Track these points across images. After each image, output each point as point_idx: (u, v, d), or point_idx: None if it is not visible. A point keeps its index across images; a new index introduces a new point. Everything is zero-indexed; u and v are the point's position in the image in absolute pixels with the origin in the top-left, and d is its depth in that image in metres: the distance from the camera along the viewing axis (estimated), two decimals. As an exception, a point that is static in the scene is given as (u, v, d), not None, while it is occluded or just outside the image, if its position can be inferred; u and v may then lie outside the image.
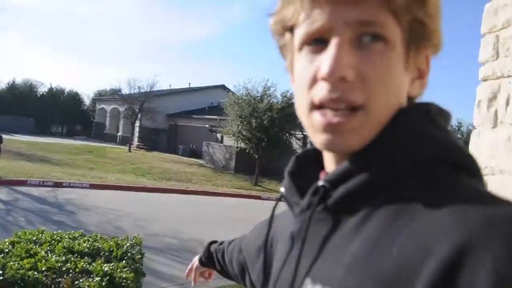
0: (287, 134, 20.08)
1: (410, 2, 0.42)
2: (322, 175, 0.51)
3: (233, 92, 21.72)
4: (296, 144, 21.17)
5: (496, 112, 1.92)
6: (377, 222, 0.39)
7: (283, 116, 18.97)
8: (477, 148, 1.97)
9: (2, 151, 12.18)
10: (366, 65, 0.41)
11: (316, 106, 0.43)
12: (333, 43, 0.42)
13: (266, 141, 18.84)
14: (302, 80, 0.45)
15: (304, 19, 0.44)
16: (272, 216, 0.62)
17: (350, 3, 0.41)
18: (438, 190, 0.38)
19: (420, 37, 0.45)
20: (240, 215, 11.63)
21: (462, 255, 0.30)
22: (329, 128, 0.42)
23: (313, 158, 0.55)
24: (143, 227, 7.90)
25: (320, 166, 0.53)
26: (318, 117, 0.43)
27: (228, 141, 23.49)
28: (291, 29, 0.47)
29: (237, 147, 22.18)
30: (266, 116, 18.75)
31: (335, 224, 0.44)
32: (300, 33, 0.45)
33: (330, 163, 0.50)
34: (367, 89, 0.41)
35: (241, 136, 19.78)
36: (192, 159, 27.31)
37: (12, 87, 42.49)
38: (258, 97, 19.87)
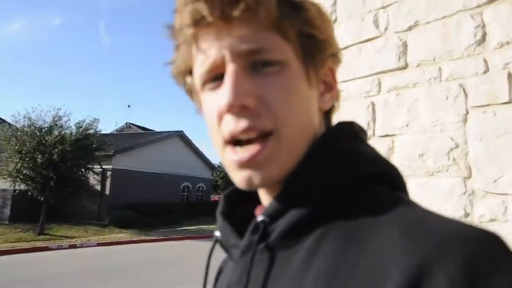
0: (82, 170, 17.91)
1: (292, 18, 0.43)
2: (258, 210, 0.50)
3: (9, 124, 17.85)
4: (94, 180, 19.18)
5: (368, 124, 1.96)
6: (327, 255, 0.37)
7: (78, 149, 16.93)
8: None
9: None
10: (266, 90, 0.41)
11: (229, 141, 0.42)
12: (227, 74, 0.42)
13: (56, 179, 16.14)
14: (211, 119, 0.44)
15: (197, 60, 0.44)
16: (208, 266, 0.53)
17: (235, 35, 0.41)
18: (381, 211, 0.37)
19: (313, 50, 0.45)
20: (35, 274, 9.35)
21: (418, 279, 0.30)
22: (243, 165, 0.42)
23: (244, 194, 0.53)
24: None
25: (254, 202, 0.51)
26: (230, 155, 0.43)
27: (1, 183, 19.02)
28: (190, 72, 0.47)
29: (14, 190, 18.12)
30: (56, 150, 16.15)
31: (280, 262, 0.41)
32: (197, 74, 0.45)
33: (265, 196, 0.48)
34: (273, 113, 0.41)
35: (21, 176, 16.29)
36: None
37: None
38: (46, 129, 17.00)
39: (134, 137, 26.76)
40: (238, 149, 0.42)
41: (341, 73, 1.88)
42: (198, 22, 0.42)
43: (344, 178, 0.41)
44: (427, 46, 1.65)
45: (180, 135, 28.15)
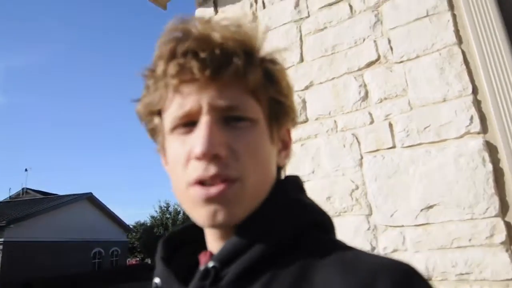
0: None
1: (266, 85, 0.48)
2: (203, 256, 0.50)
3: None
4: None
5: None
6: None
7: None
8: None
9: None
10: (236, 142, 0.45)
11: (194, 184, 0.44)
12: (203, 124, 0.44)
13: None
14: (177, 161, 0.47)
15: (172, 103, 0.47)
16: None
17: (216, 90, 0.45)
18: (323, 253, 0.42)
19: (279, 113, 0.51)
20: None
21: None
22: (210, 199, 0.43)
23: (181, 239, 0.55)
24: None
25: (192, 247, 0.54)
26: (197, 190, 0.44)
27: None
28: (159, 113, 0.50)
29: None
30: None
31: None
32: (169, 116, 0.47)
33: (213, 241, 0.49)
34: (240, 163, 0.44)
35: None
36: None
37: None
38: None
39: (32, 204, 23.69)
40: (206, 187, 0.44)
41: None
42: (184, 75, 0.45)
43: (292, 226, 0.45)
44: (323, 102, 1.89)
45: (89, 198, 25.82)
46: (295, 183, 0.53)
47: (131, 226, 30.52)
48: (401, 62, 1.85)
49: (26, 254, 19.10)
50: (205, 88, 0.45)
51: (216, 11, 2.56)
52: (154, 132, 0.53)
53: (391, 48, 1.90)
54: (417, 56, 1.82)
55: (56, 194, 28.66)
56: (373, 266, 0.39)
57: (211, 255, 0.48)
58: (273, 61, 0.50)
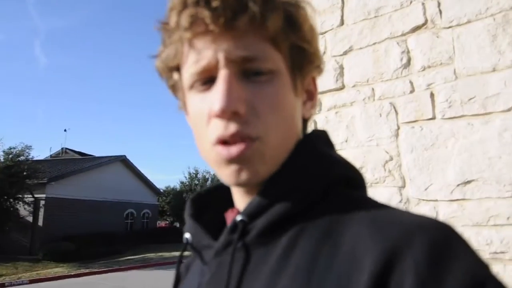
0: (11, 200, 16.33)
1: (287, 31, 0.44)
2: (231, 213, 0.51)
3: None
4: (25, 211, 17.54)
5: None
6: (304, 250, 0.40)
7: (6, 178, 15.46)
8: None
9: None
10: (256, 97, 0.43)
11: (216, 143, 0.43)
12: (221, 79, 0.42)
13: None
14: (198, 120, 0.45)
15: (188, 59, 0.44)
16: (178, 273, 0.55)
17: (231, 40, 0.42)
18: (352, 209, 0.40)
19: (302, 61, 0.47)
20: None
21: (389, 264, 0.33)
22: (232, 159, 0.42)
23: (209, 199, 0.55)
24: None
25: (220, 206, 0.54)
26: (220, 151, 0.43)
27: None
28: (177, 69, 0.47)
29: None
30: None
31: (256, 260, 0.43)
32: (187, 72, 0.45)
33: (240, 198, 0.49)
34: (261, 120, 0.43)
35: None
36: None
37: None
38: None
39: (71, 163, 24.98)
40: (227, 146, 0.42)
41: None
42: (197, 27, 0.42)
43: (320, 180, 0.44)
44: (361, 69, 1.81)
45: (122, 160, 26.82)
46: (323, 137, 0.50)
47: (161, 190, 31.74)
48: (450, 27, 1.73)
49: (66, 210, 20.37)
50: (220, 39, 0.42)
51: None
52: (174, 89, 0.51)
53: (440, 12, 1.77)
54: (468, 21, 1.68)
55: (93, 155, 30.03)
56: (408, 225, 0.36)
57: (238, 212, 0.47)
58: (293, 3, 0.45)
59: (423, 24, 1.80)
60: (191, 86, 0.45)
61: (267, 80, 0.43)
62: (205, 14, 0.41)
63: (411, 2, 1.81)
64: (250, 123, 0.42)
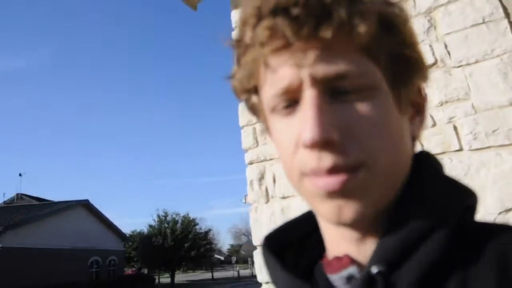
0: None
1: (382, 37, 0.36)
2: (337, 261, 0.39)
3: None
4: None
5: (266, 189, 2.11)
6: None
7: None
8: (257, 222, 2.07)
9: None
10: (352, 119, 0.35)
11: (307, 174, 0.36)
12: (307, 103, 0.35)
13: None
14: (284, 148, 0.39)
15: (267, 79, 0.38)
16: None
17: (316, 54, 0.35)
18: (495, 240, 0.34)
19: (405, 71, 0.39)
20: None
21: None
22: (331, 193, 0.35)
23: (286, 239, 0.46)
24: None
25: (301, 246, 0.46)
26: (313, 183, 0.36)
27: None
28: (255, 90, 0.41)
29: None
30: None
31: None
32: (267, 94, 0.39)
33: (344, 240, 0.39)
34: (360, 145, 0.35)
35: None
36: None
37: None
38: None
39: (27, 209, 23.36)
40: (322, 178, 0.35)
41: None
42: (276, 41, 0.35)
43: (457, 211, 0.36)
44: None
45: (85, 204, 25.50)
46: (435, 158, 0.42)
47: (127, 235, 30.21)
48: (460, 66, 1.86)
49: (23, 261, 18.76)
50: (304, 54, 0.35)
51: None
52: (254, 111, 0.45)
53: (448, 53, 1.92)
54: (477, 61, 1.83)
55: (51, 201, 28.30)
56: None
57: (351, 259, 0.38)
58: (387, 3, 0.38)
59: (434, 64, 1.93)
60: (273, 110, 0.39)
61: (363, 98, 0.35)
62: (285, 25, 0.34)
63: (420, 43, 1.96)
64: (348, 151, 0.34)
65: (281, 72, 0.36)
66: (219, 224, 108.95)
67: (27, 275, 18.54)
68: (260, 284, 2.04)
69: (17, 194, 29.45)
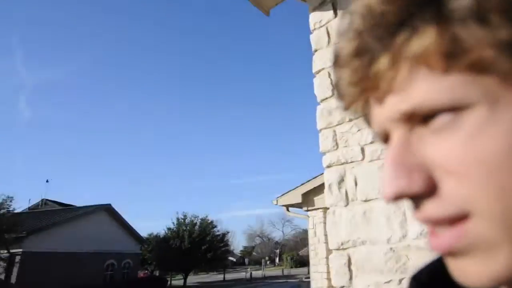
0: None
1: (496, 54, 0.25)
2: None
3: None
4: None
5: (346, 192, 2.21)
6: None
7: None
8: (335, 224, 2.15)
9: None
10: (443, 154, 0.27)
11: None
12: (390, 148, 0.30)
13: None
14: None
15: (370, 114, 0.34)
16: None
17: (396, 90, 0.29)
18: None
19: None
20: None
21: None
22: (444, 254, 0.29)
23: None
24: None
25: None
26: (428, 237, 0.30)
27: None
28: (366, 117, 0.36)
29: None
30: None
31: None
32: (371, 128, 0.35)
33: None
34: (462, 187, 0.26)
35: None
36: None
37: None
38: None
39: (51, 215, 23.82)
40: (431, 233, 0.30)
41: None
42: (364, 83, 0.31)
43: None
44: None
45: (107, 209, 25.94)
46: None
47: (144, 238, 30.53)
48: None
49: (42, 265, 19.11)
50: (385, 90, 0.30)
51: (335, 14, 2.59)
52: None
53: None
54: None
55: (74, 206, 28.81)
56: None
57: None
58: None
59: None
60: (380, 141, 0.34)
61: (455, 122, 0.27)
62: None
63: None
64: (444, 198, 0.27)
65: (373, 113, 0.32)
66: (233, 225, 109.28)
67: (45, 279, 18.88)
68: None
69: (42, 200, 30.20)
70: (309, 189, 8.89)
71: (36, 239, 19.30)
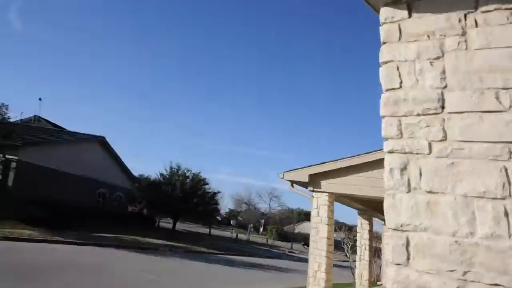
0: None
1: None
2: None
3: None
4: None
5: (408, 180, 2.24)
6: None
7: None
8: (394, 207, 2.20)
9: None
10: None
11: None
12: None
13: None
14: None
15: None
16: None
17: None
18: None
19: None
20: None
21: None
22: None
23: None
24: None
25: None
26: None
27: None
28: None
29: None
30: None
31: None
32: None
33: None
34: None
35: None
36: None
37: None
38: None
39: (44, 132, 24.13)
40: None
41: (461, 132, 2.16)
42: None
43: None
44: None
45: (101, 141, 26.23)
46: None
47: (136, 177, 31.10)
48: None
49: (38, 177, 19.53)
50: None
51: (409, 15, 2.54)
52: None
53: None
54: None
55: (65, 129, 28.96)
56: None
57: None
58: None
59: None
60: None
61: None
62: None
63: None
64: None
65: None
66: (221, 187, 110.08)
67: (40, 189, 19.38)
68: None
69: (34, 116, 30.00)
70: (317, 171, 9.12)
71: (31, 151, 19.61)
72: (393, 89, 2.45)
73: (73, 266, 10.52)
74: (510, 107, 2.10)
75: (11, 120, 17.98)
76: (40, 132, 23.74)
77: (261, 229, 63.72)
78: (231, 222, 52.58)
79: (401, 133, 2.34)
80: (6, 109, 16.40)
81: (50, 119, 30.99)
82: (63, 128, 29.58)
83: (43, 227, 16.42)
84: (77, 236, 16.54)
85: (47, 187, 20.08)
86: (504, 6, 2.16)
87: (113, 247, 16.34)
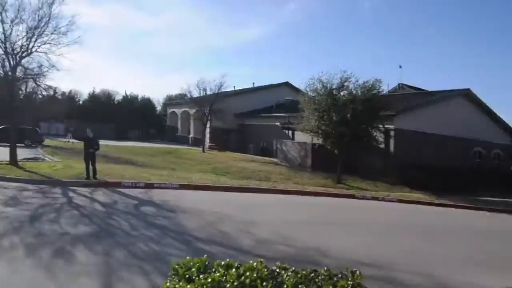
0: (369, 128, 18.32)
1: None
2: None
3: (298, 89, 20.37)
4: (380, 138, 19.35)
5: None
6: None
7: (364, 108, 17.32)
8: None
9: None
10: None
11: None
12: None
13: (349, 135, 17.28)
14: None
15: None
16: None
17: None
18: None
19: None
20: (348, 217, 10.54)
21: None
22: None
23: None
24: (249, 232, 7.14)
25: None
26: None
27: (301, 138, 22.36)
28: None
29: (313, 144, 20.87)
30: (348, 108, 17.19)
31: None
32: None
33: None
34: None
35: (320, 132, 18.40)
36: (264, 157, 26.57)
37: (93, 97, 46.07)
38: (335, 90, 18.35)
39: (410, 98, 25.10)
40: None
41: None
42: None
43: None
44: None
45: (466, 94, 24.29)
46: None
47: (515, 129, 26.59)
48: None
49: (411, 142, 20.90)
50: None
51: None
52: None
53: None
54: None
55: (428, 90, 28.93)
56: None
57: None
58: None
59: None
60: None
61: None
62: None
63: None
64: None
65: None
66: None
67: (414, 153, 20.70)
68: None
69: (398, 84, 32.60)
70: None
71: (403, 118, 21.17)
72: None
73: (470, 229, 10.50)
74: None
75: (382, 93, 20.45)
76: (406, 98, 25.38)
77: None
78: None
79: None
80: (380, 83, 18.70)
81: (412, 84, 32.83)
82: (425, 90, 30.27)
83: (424, 190, 17.47)
84: (463, 199, 16.41)
85: (419, 150, 21.20)
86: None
87: (506, 212, 14.98)
